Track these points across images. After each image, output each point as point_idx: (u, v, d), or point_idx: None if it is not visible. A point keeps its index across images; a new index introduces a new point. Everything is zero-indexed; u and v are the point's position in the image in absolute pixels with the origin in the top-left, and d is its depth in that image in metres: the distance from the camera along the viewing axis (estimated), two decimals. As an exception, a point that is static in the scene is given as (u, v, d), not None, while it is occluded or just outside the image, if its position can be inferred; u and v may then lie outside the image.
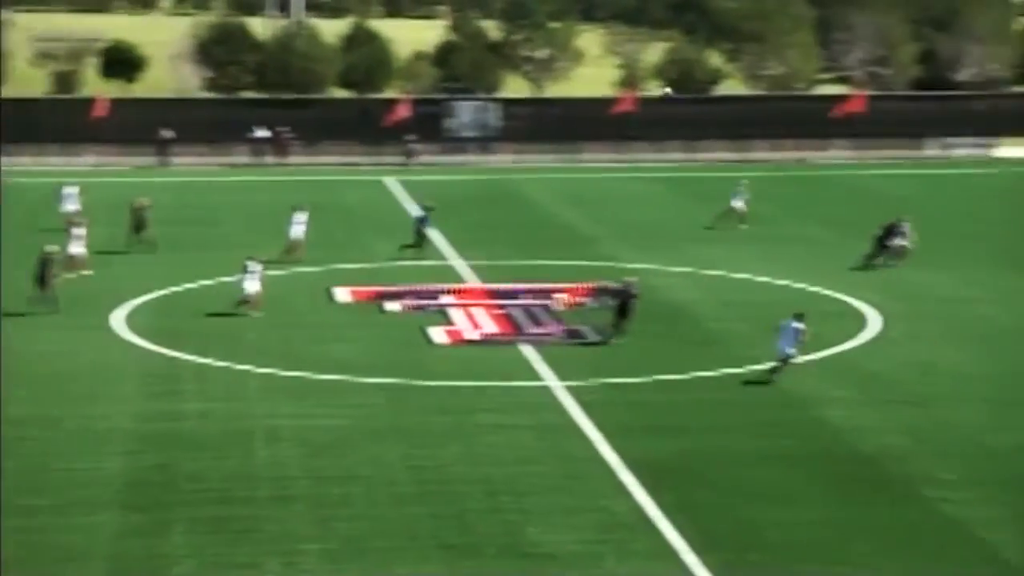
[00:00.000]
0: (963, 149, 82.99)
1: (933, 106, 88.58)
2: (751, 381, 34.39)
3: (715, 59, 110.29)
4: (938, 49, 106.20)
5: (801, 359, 34.33)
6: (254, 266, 41.20)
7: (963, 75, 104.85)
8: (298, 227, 49.48)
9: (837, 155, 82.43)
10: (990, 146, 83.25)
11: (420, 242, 50.39)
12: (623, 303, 38.53)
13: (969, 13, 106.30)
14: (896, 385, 34.01)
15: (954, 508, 25.90)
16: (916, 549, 24.07)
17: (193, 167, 76.55)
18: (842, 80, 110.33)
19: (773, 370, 34.12)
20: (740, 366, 35.56)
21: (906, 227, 49.46)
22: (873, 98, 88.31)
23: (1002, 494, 26.65)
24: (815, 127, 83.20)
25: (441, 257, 51.10)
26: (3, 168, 66.93)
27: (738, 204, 57.55)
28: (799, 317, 34.18)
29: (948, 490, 26.83)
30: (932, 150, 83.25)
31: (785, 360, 33.99)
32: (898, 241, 48.98)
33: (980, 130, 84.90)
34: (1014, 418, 31.41)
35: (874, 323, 40.23)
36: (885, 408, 32.17)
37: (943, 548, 24.14)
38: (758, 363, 35.62)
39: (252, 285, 40.88)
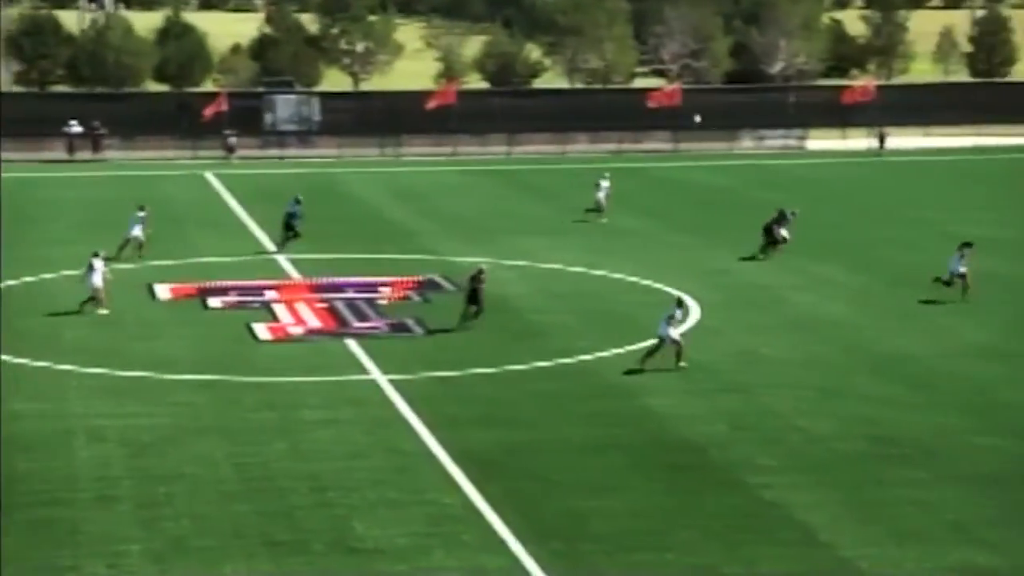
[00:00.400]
0: (777, 140, 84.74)
1: (747, 99, 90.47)
2: (577, 372, 34.70)
3: (534, 53, 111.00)
4: (750, 43, 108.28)
5: (680, 337, 34.60)
6: (98, 263, 40.40)
7: (775, 68, 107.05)
8: (138, 225, 48.61)
9: (655, 147, 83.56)
10: (803, 138, 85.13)
11: (289, 235, 50.07)
12: (473, 290, 38.68)
13: (780, 7, 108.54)
14: (718, 373, 34.58)
15: (775, 493, 26.41)
16: (740, 534, 24.48)
17: (7, 163, 74.66)
18: (659, 73, 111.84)
19: (650, 352, 34.69)
20: (567, 357, 35.84)
21: (791, 218, 50.51)
22: (688, 91, 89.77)
23: (820, 478, 27.25)
24: (633, 120, 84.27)
25: (264, 252, 50.63)
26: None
27: (599, 196, 57.87)
28: (679, 303, 35.15)
29: (769, 476, 27.35)
30: (747, 141, 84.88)
31: (667, 343, 34.51)
32: (783, 232, 49.95)
33: (793, 122, 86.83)
34: (831, 404, 32.14)
35: (697, 313, 40.86)
36: (708, 396, 32.69)
37: (765, 532, 24.59)
38: (585, 354, 36.00)
39: (96, 281, 40.06)
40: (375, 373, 34.46)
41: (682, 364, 34.54)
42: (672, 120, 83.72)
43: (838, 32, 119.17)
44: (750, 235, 52.90)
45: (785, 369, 35.14)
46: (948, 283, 42.47)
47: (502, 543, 24.00)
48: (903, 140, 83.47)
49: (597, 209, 57.55)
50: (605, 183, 58.50)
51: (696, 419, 30.95)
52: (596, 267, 47.61)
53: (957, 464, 27.99)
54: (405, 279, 45.03)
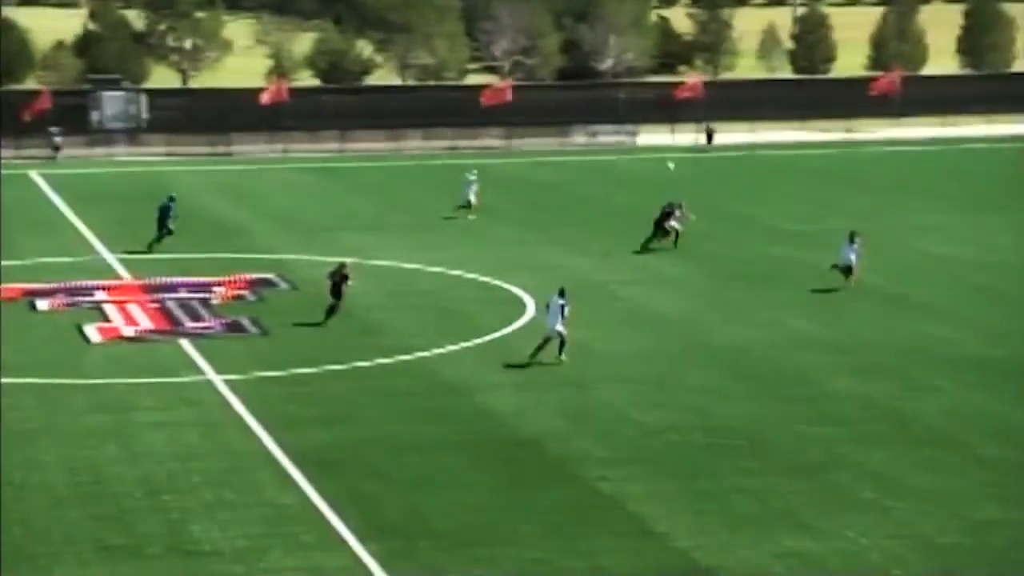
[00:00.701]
0: (609, 136, 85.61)
1: (578, 95, 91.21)
2: (415, 369, 34.74)
3: (366, 50, 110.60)
4: (580, 40, 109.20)
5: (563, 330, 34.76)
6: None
7: (605, 65, 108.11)
8: None
9: (488, 144, 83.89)
10: (634, 133, 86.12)
11: (163, 233, 49.78)
12: (335, 285, 38.82)
13: (608, 5, 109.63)
14: (553, 368, 34.85)
15: (612, 485, 26.75)
16: (578, 527, 24.76)
17: None
18: (490, 70, 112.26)
19: (539, 347, 34.90)
20: (405, 354, 35.85)
21: (680, 211, 51.14)
22: (520, 88, 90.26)
23: (655, 470, 27.67)
24: (466, 116, 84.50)
25: (93, 252, 49.74)
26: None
27: (468, 192, 58.07)
28: (562, 293, 35.17)
29: (606, 468, 27.69)
30: (579, 137, 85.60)
31: (553, 337, 34.78)
32: (673, 223, 50.57)
33: (624, 118, 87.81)
34: (664, 397, 32.63)
35: (531, 308, 41.13)
36: (544, 391, 32.95)
37: (603, 524, 24.90)
38: (423, 351, 36.05)
39: None
40: (210, 373, 34.11)
41: (563, 357, 34.86)
42: (504, 117, 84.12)
43: (666, 29, 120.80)
44: (582, 230, 53.51)
45: (619, 363, 35.56)
46: (843, 270, 43.52)
47: (341, 542, 23.97)
48: (730, 135, 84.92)
49: (467, 205, 57.75)
50: (473, 178, 58.67)
51: (532, 414, 31.19)
52: (433, 264, 47.66)
53: (785, 453, 28.62)
54: (238, 278, 44.61)
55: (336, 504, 25.46)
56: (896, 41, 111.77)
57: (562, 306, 34.91)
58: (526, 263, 47.78)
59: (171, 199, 51.07)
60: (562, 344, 34.93)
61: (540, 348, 35.02)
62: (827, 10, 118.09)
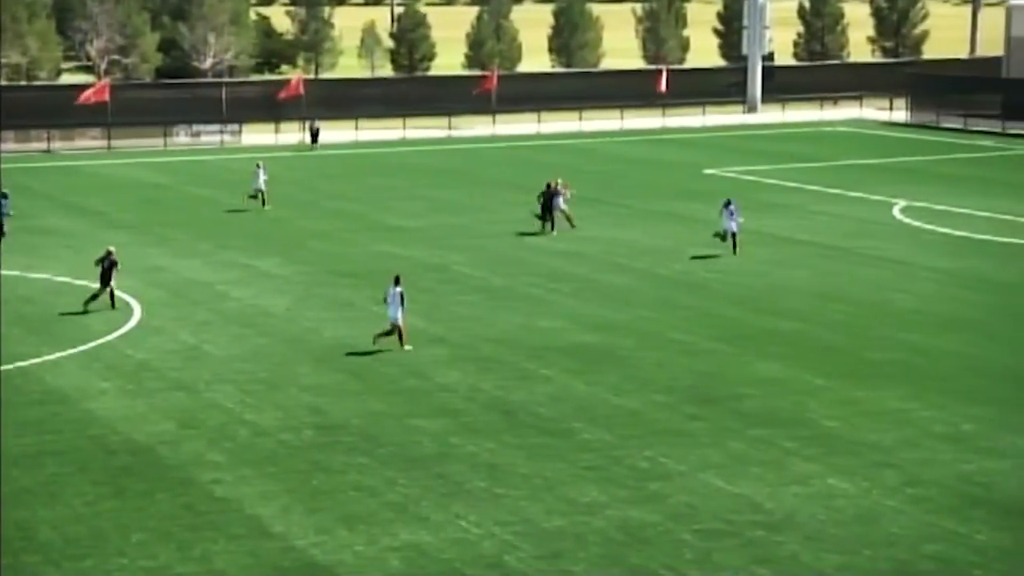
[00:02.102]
0: (213, 136, 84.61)
1: (180, 94, 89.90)
2: (16, 379, 33.57)
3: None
4: (179, 38, 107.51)
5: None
6: None
7: (206, 64, 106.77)
8: None
9: (87, 145, 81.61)
10: (238, 132, 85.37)
11: None
12: (104, 271, 40.08)
13: (206, 3, 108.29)
14: (162, 372, 34.34)
15: (226, 488, 26.60)
16: (193, 532, 24.51)
17: None
18: (86, 69, 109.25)
19: (384, 333, 36.25)
20: (6, 364, 34.58)
21: (562, 195, 53.42)
22: (119, 87, 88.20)
23: (269, 471, 27.66)
24: (62, 117, 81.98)
25: None
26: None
27: (260, 185, 58.71)
28: (397, 281, 36.28)
29: (219, 471, 27.51)
30: (182, 137, 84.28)
31: (396, 326, 36.18)
32: (561, 204, 53.41)
33: (227, 117, 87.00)
34: (276, 396, 32.60)
35: (137, 312, 40.35)
36: (154, 396, 32.44)
37: (218, 528, 24.73)
38: (23, 360, 34.90)
39: None
40: None
41: (407, 347, 36.23)
42: (103, 117, 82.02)
43: (266, 28, 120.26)
44: (189, 231, 52.77)
45: (229, 364, 35.33)
46: (723, 237, 48.65)
47: (-57, 563, 23.01)
48: (335, 133, 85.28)
49: (256, 196, 58.84)
50: (263, 172, 59.23)
51: (142, 419, 30.68)
52: (33, 270, 46.11)
53: (398, 447, 29.08)
54: None
55: (-64, 523, 24.43)
56: (492, 40, 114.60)
57: (400, 294, 36.13)
58: (133, 266, 46.72)
59: (4, 196, 51.27)
60: (398, 333, 36.17)
61: (383, 335, 36.32)
62: (424, 9, 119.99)
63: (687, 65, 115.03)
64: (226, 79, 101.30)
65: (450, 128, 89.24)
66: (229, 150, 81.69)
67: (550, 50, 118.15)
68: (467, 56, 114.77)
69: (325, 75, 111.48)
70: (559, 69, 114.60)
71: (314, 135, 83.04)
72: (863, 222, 55.84)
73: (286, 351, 36.64)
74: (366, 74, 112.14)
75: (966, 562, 23.64)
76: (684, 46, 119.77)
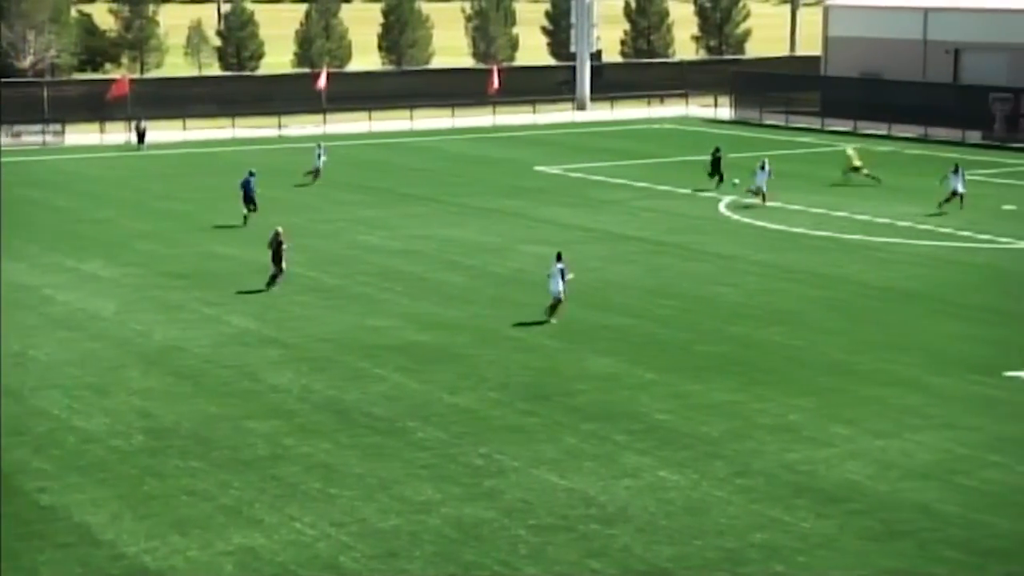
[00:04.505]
0: (34, 136, 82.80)
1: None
2: None
3: None
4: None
5: None
6: None
7: (26, 63, 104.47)
8: None
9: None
10: (61, 132, 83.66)
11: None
12: (275, 253, 42.54)
13: (27, 0, 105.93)
14: (-15, 379, 33.59)
15: (53, 496, 26.12)
16: (20, 542, 24.02)
17: None
18: None
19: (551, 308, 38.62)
20: None
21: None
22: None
23: (98, 477, 27.21)
24: None
25: None
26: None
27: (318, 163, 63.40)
28: (559, 257, 41.34)
29: (46, 479, 27.00)
30: (3, 138, 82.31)
31: (558, 299, 38.86)
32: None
33: (50, 117, 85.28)
34: (105, 402, 32.08)
35: (-43, 318, 39.43)
36: (-24, 403, 31.71)
37: (45, 537, 24.28)
38: None
39: None
40: None
41: (553, 320, 38.67)
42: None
43: (88, 26, 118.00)
44: (17, 234, 51.56)
45: (56, 369, 34.66)
46: (756, 192, 59.05)
47: None
48: (162, 134, 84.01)
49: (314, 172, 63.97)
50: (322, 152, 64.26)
51: (-35, 428, 29.95)
52: None
53: (231, 449, 28.82)
54: None
55: None
56: (321, 39, 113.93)
57: (562, 270, 38.69)
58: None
59: (251, 174, 55.32)
60: (557, 306, 38.75)
61: (552, 309, 38.94)
62: (252, 7, 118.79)
63: (517, 63, 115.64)
64: (47, 78, 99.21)
65: (280, 127, 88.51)
66: (52, 150, 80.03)
67: (380, 48, 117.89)
68: (296, 55, 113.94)
69: (151, 74, 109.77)
70: (389, 67, 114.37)
71: (140, 135, 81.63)
72: (690, 218, 56.70)
73: (115, 355, 36.05)
74: (193, 73, 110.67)
75: (791, 549, 24.19)
76: (513, 44, 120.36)
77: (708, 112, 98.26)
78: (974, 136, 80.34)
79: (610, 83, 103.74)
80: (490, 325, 39.30)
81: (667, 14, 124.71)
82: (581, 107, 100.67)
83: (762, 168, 59.66)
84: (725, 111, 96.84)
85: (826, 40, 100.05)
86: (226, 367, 34.97)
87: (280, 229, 44.16)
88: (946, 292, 43.50)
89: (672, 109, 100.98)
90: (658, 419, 30.99)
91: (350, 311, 40.91)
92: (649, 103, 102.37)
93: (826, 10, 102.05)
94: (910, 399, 32.50)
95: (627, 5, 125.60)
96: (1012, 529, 25.06)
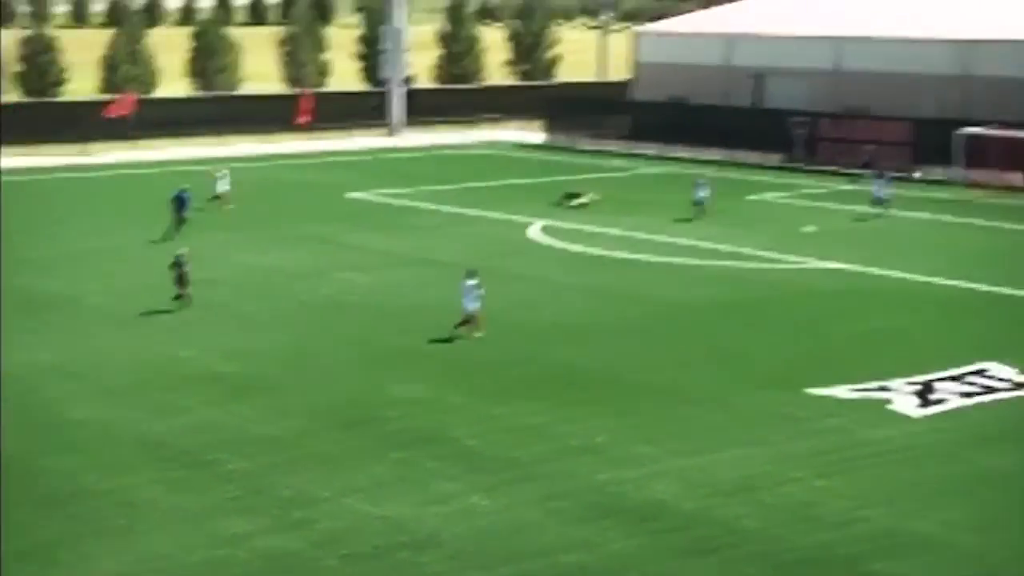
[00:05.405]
0: None
1: None
2: None
3: None
4: None
5: None
6: None
7: None
8: None
9: None
10: None
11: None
12: (179, 275, 43.02)
13: None
14: None
15: None
16: None
17: None
18: None
19: (460, 324, 39.00)
20: None
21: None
22: None
23: None
24: None
25: None
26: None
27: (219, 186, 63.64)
28: (471, 275, 40.84)
29: None
30: None
31: (471, 315, 39.77)
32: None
33: None
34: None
35: None
36: None
37: None
38: None
39: None
40: None
41: (477, 335, 39.32)
42: None
43: None
44: None
45: None
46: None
47: None
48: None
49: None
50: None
51: None
52: None
53: (30, 487, 28.03)
54: None
55: None
56: (128, 64, 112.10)
57: (473, 286, 39.61)
58: None
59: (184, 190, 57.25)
60: (468, 322, 39.65)
61: (461, 325, 39.75)
62: (54, 32, 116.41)
63: (329, 89, 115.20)
64: None
65: (85, 155, 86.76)
66: None
67: (189, 74, 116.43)
68: (103, 80, 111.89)
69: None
70: (199, 93, 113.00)
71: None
72: (503, 241, 57.01)
73: (-91, 392, 34.90)
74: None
75: (601, 568, 24.43)
76: (325, 70, 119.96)
77: (521, 137, 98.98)
78: (775, 159, 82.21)
79: (423, 108, 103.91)
80: (297, 353, 38.99)
81: (479, 40, 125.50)
82: (394, 132, 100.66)
83: (699, 185, 62.60)
84: (538, 135, 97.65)
85: (635, 65, 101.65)
86: (25, 401, 34.07)
87: (184, 251, 44.21)
88: (746, 311, 44.40)
89: (485, 134, 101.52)
90: (468, 444, 31.04)
91: (154, 341, 40.19)
92: (462, 128, 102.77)
93: (635, 36, 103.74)
94: (714, 417, 33.08)
95: (439, 31, 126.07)
96: (809, 542, 25.65)
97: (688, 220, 61.68)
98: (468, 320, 40.17)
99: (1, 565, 22.98)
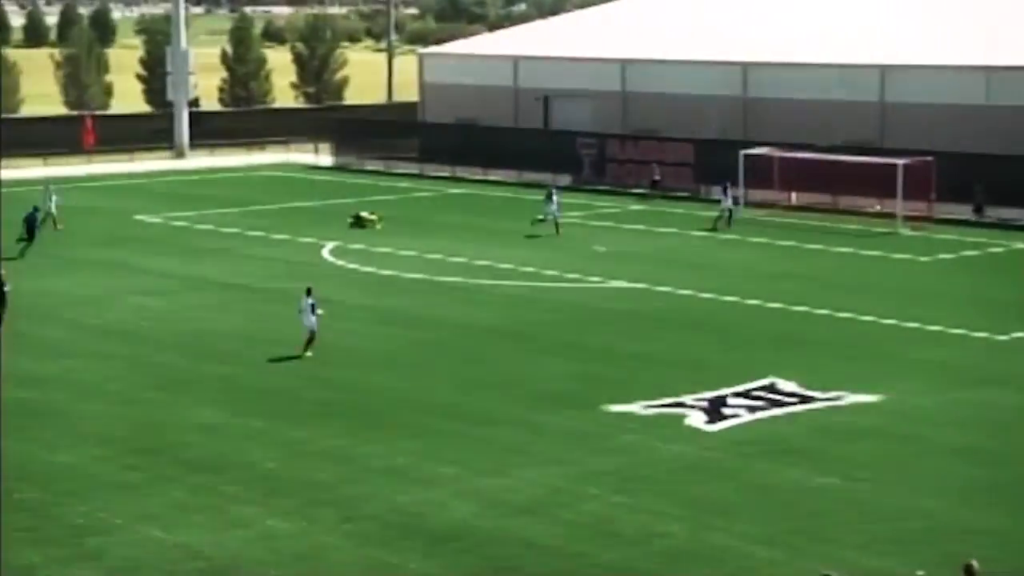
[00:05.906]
0: None
1: None
2: None
3: None
4: None
5: None
6: None
7: None
8: None
9: None
10: None
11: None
12: None
13: None
14: None
15: None
16: None
17: None
18: None
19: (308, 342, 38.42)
20: None
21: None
22: None
23: None
24: None
25: None
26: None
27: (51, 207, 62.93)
28: (309, 292, 40.62)
29: None
30: None
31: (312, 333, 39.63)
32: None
33: None
34: None
35: None
36: None
37: None
38: None
39: None
40: None
41: (308, 353, 39.38)
42: None
43: None
44: None
45: None
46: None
47: None
48: None
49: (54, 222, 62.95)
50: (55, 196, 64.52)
51: None
52: None
53: None
54: None
55: None
56: None
57: (312, 305, 39.64)
58: None
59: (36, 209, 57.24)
60: (311, 340, 39.47)
61: (308, 344, 39.62)
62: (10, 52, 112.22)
63: (112, 111, 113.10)
64: None
65: None
66: None
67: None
68: None
69: None
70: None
71: None
72: (294, 264, 56.64)
73: None
74: None
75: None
76: (108, 92, 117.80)
77: (309, 159, 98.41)
78: (564, 180, 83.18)
79: (209, 131, 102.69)
80: (89, 379, 38.22)
81: (265, 61, 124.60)
82: (180, 155, 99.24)
83: (549, 198, 63.96)
84: (326, 158, 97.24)
85: (422, 87, 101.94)
86: None
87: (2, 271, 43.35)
88: (542, 331, 44.85)
89: (273, 156, 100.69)
90: (267, 468, 30.77)
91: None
92: (249, 150, 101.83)
93: (420, 58, 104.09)
94: (513, 436, 33.35)
95: (224, 53, 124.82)
96: (609, 558, 26.00)
97: (476, 241, 62.11)
98: (312, 339, 39.87)
99: (1, 564, 22.13)
